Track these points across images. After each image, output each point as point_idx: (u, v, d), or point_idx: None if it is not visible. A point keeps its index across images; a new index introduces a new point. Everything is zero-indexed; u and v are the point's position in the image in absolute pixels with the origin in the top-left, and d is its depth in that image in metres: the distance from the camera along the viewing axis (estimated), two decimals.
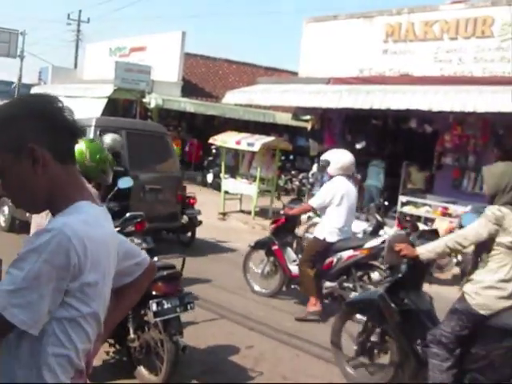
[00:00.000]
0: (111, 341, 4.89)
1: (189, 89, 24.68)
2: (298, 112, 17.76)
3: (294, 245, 7.98)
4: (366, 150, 15.80)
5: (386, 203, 12.33)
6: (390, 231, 11.36)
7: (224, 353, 5.91)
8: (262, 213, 15.61)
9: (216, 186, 18.42)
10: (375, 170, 15.17)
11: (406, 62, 15.30)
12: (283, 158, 20.21)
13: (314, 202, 7.19)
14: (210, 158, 21.07)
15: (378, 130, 15.82)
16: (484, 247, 4.26)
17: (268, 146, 15.29)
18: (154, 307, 4.53)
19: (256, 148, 14.77)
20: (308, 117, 17.40)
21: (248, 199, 15.62)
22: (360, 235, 11.71)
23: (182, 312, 4.77)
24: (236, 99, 16.52)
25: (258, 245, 8.23)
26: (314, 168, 16.58)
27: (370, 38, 16.14)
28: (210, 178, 20.21)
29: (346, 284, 7.14)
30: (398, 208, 13.25)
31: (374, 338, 5.03)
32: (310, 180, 16.63)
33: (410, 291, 4.74)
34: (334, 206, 7.03)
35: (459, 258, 10.52)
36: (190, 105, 22.64)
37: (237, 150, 15.91)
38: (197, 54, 27.43)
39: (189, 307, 4.81)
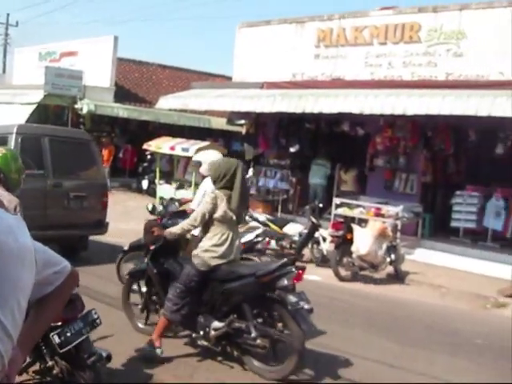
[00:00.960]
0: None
1: (122, 94, 24.31)
2: (232, 117, 17.78)
3: None
4: (299, 153, 15.98)
5: (321, 205, 12.47)
6: (325, 233, 11.53)
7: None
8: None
9: (151, 192, 18.21)
10: (319, 169, 15.39)
11: (337, 66, 15.56)
12: None
13: (194, 205, 7.39)
14: (145, 164, 20.81)
15: (311, 134, 16.02)
16: (207, 222, 5.68)
17: (203, 150, 15.22)
18: (56, 340, 4.21)
19: (191, 153, 14.70)
20: (243, 121, 17.45)
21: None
22: (296, 238, 11.86)
23: (89, 332, 4.47)
24: (170, 104, 16.39)
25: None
26: (250, 172, 16.61)
27: (302, 43, 16.34)
28: (145, 184, 19.95)
29: None
30: (333, 210, 13.44)
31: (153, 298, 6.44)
32: (247, 184, 16.64)
33: (168, 258, 6.15)
34: None
35: (393, 257, 10.77)
36: (123, 110, 22.30)
37: (171, 155, 15.79)
38: (130, 58, 27.06)
39: (95, 324, 4.53)
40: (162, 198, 7.73)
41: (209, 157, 7.55)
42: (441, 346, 7.03)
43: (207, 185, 7.28)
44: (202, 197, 7.19)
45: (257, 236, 7.58)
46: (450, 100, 11.26)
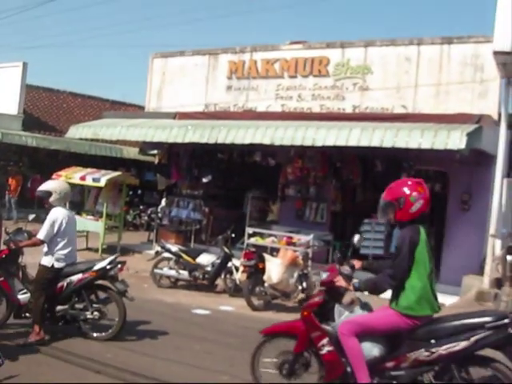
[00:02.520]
0: None
1: (31, 122, 23.64)
2: (145, 146, 17.66)
3: (20, 275, 7.92)
4: (212, 184, 16.05)
5: (233, 235, 12.54)
6: (237, 263, 11.57)
7: None
8: (110, 250, 15.15)
9: None
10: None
11: (249, 97, 15.87)
12: (131, 192, 19.92)
13: (41, 235, 7.39)
14: None
15: (223, 164, 16.15)
16: None
17: (114, 180, 15.01)
18: None
19: (102, 183, 14.45)
20: (155, 151, 17.36)
21: (95, 236, 15.13)
22: (209, 268, 11.84)
23: None
24: (81, 133, 16.06)
25: None
26: (163, 202, 16.51)
27: (215, 74, 16.58)
28: None
29: (77, 305, 7.65)
30: (245, 239, 13.54)
31: None
32: (159, 214, 16.52)
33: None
34: (58, 234, 7.41)
35: (304, 285, 10.92)
36: (31, 139, 21.67)
37: (82, 185, 15.44)
38: (39, 86, 26.44)
39: None
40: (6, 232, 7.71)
41: (57, 187, 7.67)
42: None
43: (56, 215, 7.40)
44: (51, 226, 7.32)
45: (109, 263, 7.70)
46: (356, 132, 11.68)
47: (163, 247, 12.24)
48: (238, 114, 15.39)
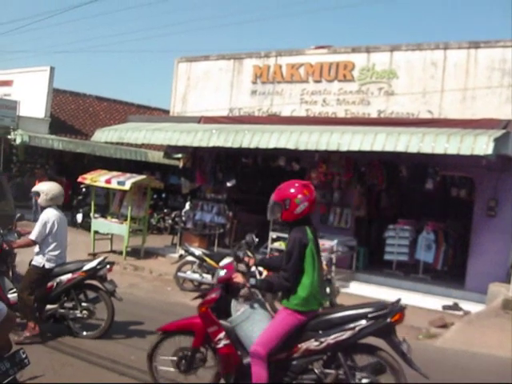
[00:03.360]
0: None
1: (57, 125, 23.94)
2: (169, 150, 17.75)
3: (10, 274, 8.00)
4: (236, 188, 16.07)
5: (257, 239, 12.50)
6: (261, 267, 11.53)
7: None
8: (134, 253, 15.31)
9: (86, 226, 17.86)
10: None
11: (273, 102, 15.86)
12: (155, 196, 20.03)
13: (33, 235, 7.51)
14: (80, 198, 20.41)
15: (248, 168, 16.16)
16: None
17: (139, 184, 15.11)
18: None
19: (127, 186, 14.55)
20: (180, 155, 17.44)
21: (119, 239, 15.26)
22: None
23: (17, 372, 4.24)
24: (106, 137, 16.21)
25: None
26: (187, 206, 16.57)
27: (239, 78, 16.60)
28: (79, 218, 19.54)
29: (66, 304, 7.78)
30: (269, 244, 13.53)
31: None
32: (183, 218, 16.59)
33: None
34: (50, 235, 7.54)
35: (328, 290, 10.87)
36: (57, 142, 21.94)
37: (107, 188, 15.57)
38: (66, 90, 26.78)
39: (23, 364, 4.33)
40: None
41: (48, 188, 7.78)
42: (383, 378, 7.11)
43: (47, 216, 7.54)
44: (43, 227, 7.45)
45: (99, 263, 7.80)
46: (382, 137, 11.61)
47: (187, 250, 12.28)
48: (262, 119, 15.39)
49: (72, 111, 26.26)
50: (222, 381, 5.51)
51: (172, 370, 5.66)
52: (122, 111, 27.64)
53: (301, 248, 5.07)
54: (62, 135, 23.23)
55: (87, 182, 15.46)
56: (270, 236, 13.77)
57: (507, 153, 11.51)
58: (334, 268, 12.23)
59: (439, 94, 13.59)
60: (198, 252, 12.15)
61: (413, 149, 11.19)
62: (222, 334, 5.29)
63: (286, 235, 13.84)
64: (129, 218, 14.82)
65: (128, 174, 15.49)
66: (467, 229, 13.30)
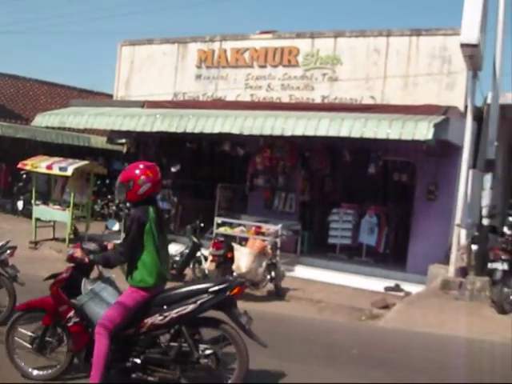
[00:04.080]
0: None
1: None
2: (112, 135, 17.45)
3: None
4: (181, 173, 15.96)
5: (202, 225, 12.51)
6: (206, 252, 11.56)
7: None
8: (77, 240, 15.00)
9: (27, 213, 17.42)
10: None
11: (218, 87, 15.81)
12: (99, 182, 19.69)
13: None
14: (20, 184, 19.90)
15: (192, 154, 16.08)
16: None
17: (82, 170, 14.81)
18: None
19: (69, 172, 14.24)
20: (123, 140, 17.18)
21: (62, 226, 14.93)
22: (177, 258, 11.80)
23: None
24: (47, 122, 15.78)
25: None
26: None
27: (184, 63, 16.45)
28: (20, 205, 19.06)
29: None
30: (214, 229, 13.52)
31: None
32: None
33: None
34: None
35: (273, 274, 10.97)
36: None
37: (49, 174, 15.21)
38: (5, 73, 25.93)
39: None
40: None
41: None
42: (318, 359, 7.23)
43: None
44: None
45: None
46: (325, 122, 11.72)
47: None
48: (207, 104, 15.32)
49: (11, 95, 25.44)
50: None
51: (28, 345, 5.73)
52: (63, 95, 26.96)
53: (139, 225, 5.21)
54: (0, 120, 22.53)
55: (28, 168, 15.05)
56: (215, 221, 13.76)
57: (447, 138, 11.79)
58: (278, 252, 12.32)
59: (382, 81, 13.82)
60: None
61: (356, 134, 11.35)
62: (71, 313, 5.42)
63: (231, 220, 13.97)
64: (71, 205, 14.51)
65: (70, 160, 15.16)
66: (408, 212, 13.62)
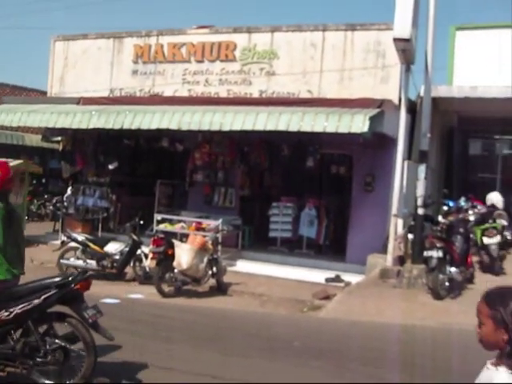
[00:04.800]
0: None
1: None
2: (47, 133, 17.01)
3: None
4: (119, 171, 15.74)
5: (142, 222, 12.37)
6: (146, 250, 11.44)
7: None
8: None
9: None
10: None
11: (156, 82, 15.63)
12: (34, 181, 19.20)
13: None
14: None
15: (130, 150, 15.87)
16: None
17: (16, 169, 14.33)
18: None
19: None
20: (59, 138, 16.78)
21: None
22: (117, 256, 11.64)
23: None
24: None
25: None
26: (69, 191, 16.01)
27: (120, 58, 16.19)
28: None
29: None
30: (154, 226, 13.40)
31: None
32: (65, 203, 16.01)
33: None
34: None
35: (214, 269, 10.96)
36: None
37: None
38: None
39: None
40: None
41: None
42: (260, 352, 7.27)
43: None
44: None
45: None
46: (263, 116, 11.77)
47: (69, 237, 11.93)
48: (144, 99, 15.13)
49: None
50: None
51: None
52: None
53: None
54: None
55: None
56: (155, 218, 13.64)
57: (382, 130, 12.03)
58: (220, 247, 12.31)
59: (318, 75, 13.97)
60: (80, 237, 11.84)
61: (293, 128, 11.45)
62: None
63: (171, 217, 13.87)
64: None
65: (3, 159, 14.69)
66: (347, 204, 13.84)
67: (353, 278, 12.16)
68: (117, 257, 11.67)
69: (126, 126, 12.87)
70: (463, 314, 9.40)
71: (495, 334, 2.33)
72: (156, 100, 14.76)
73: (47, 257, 13.02)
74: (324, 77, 13.92)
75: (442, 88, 14.37)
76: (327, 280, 12.28)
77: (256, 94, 14.41)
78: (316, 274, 12.58)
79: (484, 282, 11.30)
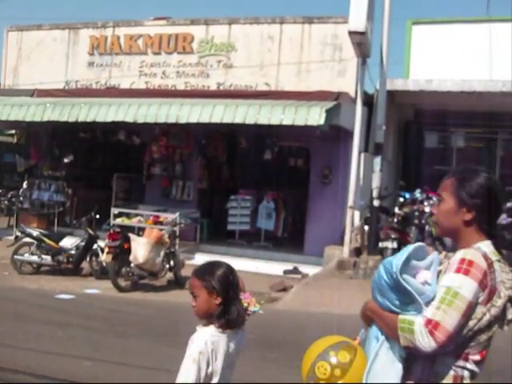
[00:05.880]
0: None
1: None
2: (0, 126, 16.66)
3: None
4: (75, 164, 15.50)
5: (98, 216, 12.21)
6: (102, 244, 11.30)
7: None
8: None
9: None
10: None
11: (112, 74, 15.42)
12: None
13: None
14: None
15: (86, 143, 15.64)
16: None
17: None
18: None
19: None
20: (13, 131, 16.44)
21: None
22: (73, 251, 11.48)
23: None
24: None
25: None
26: (24, 185, 15.69)
27: (75, 49, 15.91)
28: None
29: None
30: (111, 220, 13.25)
31: None
32: (21, 198, 15.68)
33: None
34: None
35: (172, 263, 10.89)
36: None
37: None
38: None
39: None
40: None
41: None
42: None
43: None
44: None
45: None
46: (220, 109, 11.75)
47: (23, 232, 11.71)
48: (100, 92, 14.92)
49: None
50: None
51: None
52: None
53: None
54: None
55: None
56: (111, 212, 13.47)
57: (339, 123, 12.13)
58: (177, 241, 12.23)
59: (276, 67, 13.98)
60: (35, 233, 11.62)
61: (250, 120, 11.45)
62: None
63: (128, 210, 13.72)
64: None
65: None
66: (304, 196, 13.91)
67: (311, 270, 12.25)
68: (72, 252, 11.51)
69: (81, 119, 12.69)
70: None
71: (209, 301, 2.67)
72: (112, 92, 14.58)
73: (1, 253, 12.76)
74: (281, 69, 13.93)
75: (398, 81, 14.52)
76: (285, 272, 12.34)
77: (214, 87, 14.35)
78: (274, 266, 12.62)
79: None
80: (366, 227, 11.84)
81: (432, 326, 2.03)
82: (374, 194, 11.59)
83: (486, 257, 2.15)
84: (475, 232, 2.28)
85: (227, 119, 11.57)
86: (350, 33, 11.05)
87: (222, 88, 14.24)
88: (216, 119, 11.66)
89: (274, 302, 10.17)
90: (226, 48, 14.41)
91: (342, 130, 12.78)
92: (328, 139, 12.89)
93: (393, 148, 15.89)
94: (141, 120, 12.28)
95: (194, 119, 11.82)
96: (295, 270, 12.40)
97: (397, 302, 2.18)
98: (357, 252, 11.89)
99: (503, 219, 2.21)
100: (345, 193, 12.72)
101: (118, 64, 15.42)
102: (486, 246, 2.23)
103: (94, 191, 15.74)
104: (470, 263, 2.12)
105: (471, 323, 2.11)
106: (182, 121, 11.95)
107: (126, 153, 15.57)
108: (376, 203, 11.57)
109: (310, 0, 48.81)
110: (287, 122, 11.25)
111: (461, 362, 2.15)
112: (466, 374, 2.16)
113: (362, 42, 11.34)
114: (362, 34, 10.95)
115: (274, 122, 11.33)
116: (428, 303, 2.12)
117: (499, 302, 2.14)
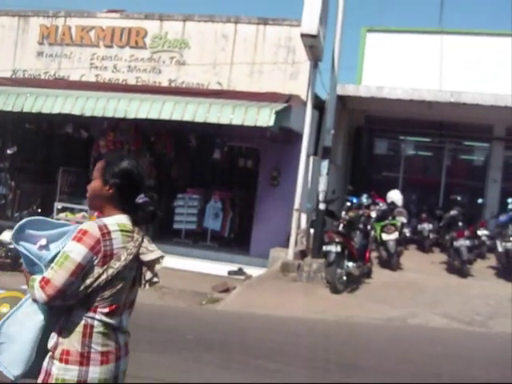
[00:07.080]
0: None
1: None
2: None
3: None
4: (19, 156, 15.06)
5: (39, 210, 11.90)
6: None
7: None
8: None
9: None
10: None
11: (61, 65, 15.08)
12: None
13: None
14: None
15: (31, 135, 15.21)
16: None
17: None
18: None
19: None
20: None
21: None
22: (12, 246, 11.12)
23: None
24: None
25: None
26: None
27: (25, 38, 15.51)
28: None
29: None
30: (54, 215, 12.94)
31: None
32: None
33: None
34: None
35: None
36: None
37: None
38: None
39: None
40: None
41: None
42: (152, 345, 7.11)
43: None
44: None
45: None
46: (169, 105, 11.62)
47: None
48: (48, 82, 14.55)
49: None
50: None
51: None
52: None
53: None
54: None
55: None
56: (55, 206, 13.16)
57: (289, 125, 12.15)
58: None
59: (229, 67, 13.92)
60: None
61: (199, 118, 11.37)
62: None
63: (72, 205, 13.41)
64: None
65: None
66: (253, 198, 13.87)
67: (255, 272, 12.21)
68: (11, 246, 11.15)
69: (26, 109, 12.35)
70: (359, 307, 9.68)
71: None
72: (61, 84, 14.24)
73: None
74: (234, 69, 13.88)
75: (349, 87, 14.67)
76: (230, 273, 12.28)
77: (165, 83, 14.19)
78: (219, 267, 12.54)
79: (381, 277, 11.68)
80: (312, 230, 11.87)
81: (44, 282, 2.48)
82: (321, 197, 11.63)
83: (103, 227, 2.57)
84: (114, 207, 2.70)
85: (176, 116, 11.45)
86: (303, 35, 11.09)
87: (173, 85, 14.10)
88: (165, 116, 11.52)
89: (215, 303, 10.10)
90: (179, 44, 14.29)
91: (293, 133, 12.79)
92: (278, 141, 12.90)
93: (342, 153, 16.02)
94: (88, 113, 12.02)
95: (142, 115, 11.66)
96: (240, 271, 12.35)
97: (25, 265, 2.72)
98: (302, 255, 11.92)
99: (140, 198, 2.43)
100: (292, 195, 12.70)
101: (68, 55, 15.10)
102: (118, 219, 2.66)
103: (38, 184, 15.32)
104: (85, 232, 2.54)
105: (88, 281, 2.53)
106: (131, 116, 11.76)
107: (74, 146, 15.20)
108: (322, 206, 11.61)
109: (266, 2, 48.83)
110: (237, 121, 11.20)
111: (90, 314, 2.58)
112: (96, 323, 2.60)
113: (314, 45, 11.39)
114: (314, 36, 11.00)
115: (224, 121, 11.26)
116: (49, 265, 2.59)
117: (117, 264, 2.57)
